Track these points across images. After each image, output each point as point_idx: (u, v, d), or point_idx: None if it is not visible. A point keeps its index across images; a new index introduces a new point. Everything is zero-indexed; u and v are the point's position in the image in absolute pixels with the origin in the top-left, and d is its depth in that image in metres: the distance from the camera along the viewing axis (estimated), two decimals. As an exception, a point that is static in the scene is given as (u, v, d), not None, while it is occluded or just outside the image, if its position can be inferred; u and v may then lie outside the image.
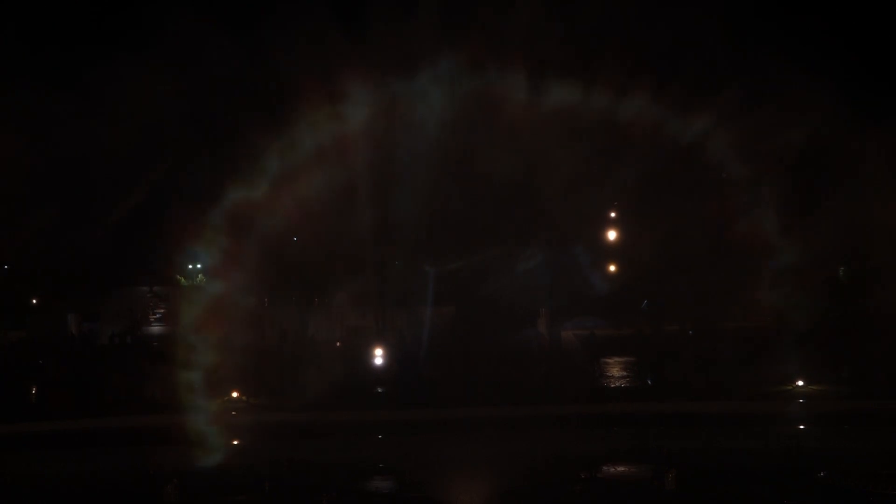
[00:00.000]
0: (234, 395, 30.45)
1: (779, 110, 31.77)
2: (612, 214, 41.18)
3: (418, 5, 31.76)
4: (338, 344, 39.48)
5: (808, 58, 30.21)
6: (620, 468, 21.86)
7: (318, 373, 32.24)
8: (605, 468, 21.68)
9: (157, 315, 45.43)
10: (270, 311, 39.68)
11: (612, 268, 41.98)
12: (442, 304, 39.12)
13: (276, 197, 31.83)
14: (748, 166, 32.44)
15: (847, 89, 30.63)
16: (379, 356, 35.48)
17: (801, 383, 29.53)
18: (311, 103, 31.51)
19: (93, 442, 25.68)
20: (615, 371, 35.41)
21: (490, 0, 31.87)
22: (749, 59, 32.53)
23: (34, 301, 42.61)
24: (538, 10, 31.39)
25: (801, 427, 26.05)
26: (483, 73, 32.02)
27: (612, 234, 41.37)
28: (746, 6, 31.76)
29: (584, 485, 20.40)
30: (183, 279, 35.60)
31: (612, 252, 41.30)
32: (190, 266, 34.21)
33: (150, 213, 33.31)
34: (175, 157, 33.33)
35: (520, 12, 31.64)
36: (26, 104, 29.53)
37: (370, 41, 31.56)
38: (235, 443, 25.19)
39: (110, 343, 37.41)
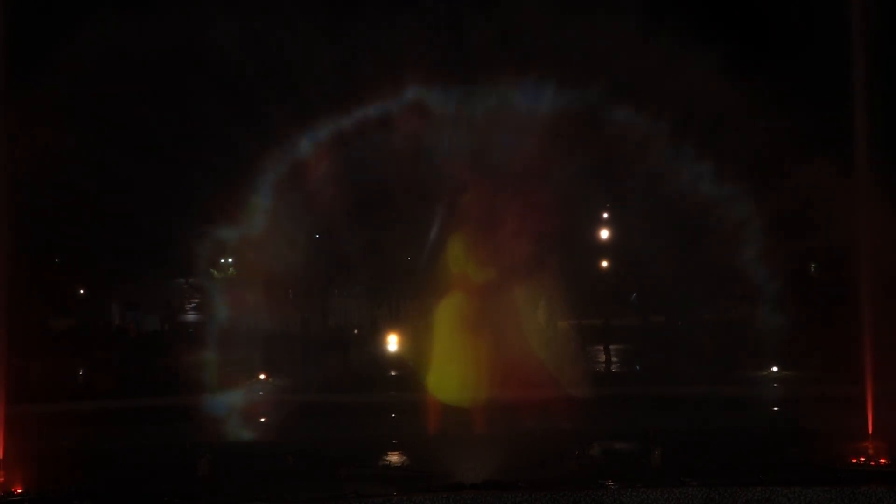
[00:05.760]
0: (262, 377, 31.17)
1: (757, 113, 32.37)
2: (605, 215, 42.19)
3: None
4: (355, 332, 40.63)
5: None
6: (611, 444, 22.05)
7: (337, 358, 33.34)
8: (597, 445, 21.62)
9: (192, 305, 46.70)
10: (294, 302, 40.89)
11: (605, 264, 43.25)
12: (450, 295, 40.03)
13: (296, 199, 32.03)
14: (728, 168, 32.95)
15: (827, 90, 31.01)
16: (392, 343, 36.37)
17: (775, 369, 30.48)
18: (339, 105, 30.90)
19: (134, 419, 26.49)
20: (605, 357, 36.37)
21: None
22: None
23: (81, 292, 44.10)
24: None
25: (775, 408, 26.85)
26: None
27: (604, 234, 42.55)
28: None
29: (578, 460, 20.80)
30: (216, 272, 36.54)
31: (603, 250, 42.30)
32: (222, 261, 35.10)
33: (186, 214, 33.94)
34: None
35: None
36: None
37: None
38: (262, 420, 25.79)
39: (156, 330, 38.89)
